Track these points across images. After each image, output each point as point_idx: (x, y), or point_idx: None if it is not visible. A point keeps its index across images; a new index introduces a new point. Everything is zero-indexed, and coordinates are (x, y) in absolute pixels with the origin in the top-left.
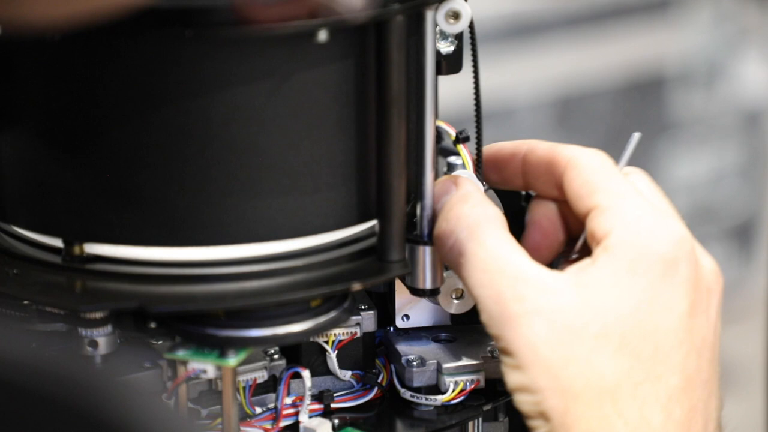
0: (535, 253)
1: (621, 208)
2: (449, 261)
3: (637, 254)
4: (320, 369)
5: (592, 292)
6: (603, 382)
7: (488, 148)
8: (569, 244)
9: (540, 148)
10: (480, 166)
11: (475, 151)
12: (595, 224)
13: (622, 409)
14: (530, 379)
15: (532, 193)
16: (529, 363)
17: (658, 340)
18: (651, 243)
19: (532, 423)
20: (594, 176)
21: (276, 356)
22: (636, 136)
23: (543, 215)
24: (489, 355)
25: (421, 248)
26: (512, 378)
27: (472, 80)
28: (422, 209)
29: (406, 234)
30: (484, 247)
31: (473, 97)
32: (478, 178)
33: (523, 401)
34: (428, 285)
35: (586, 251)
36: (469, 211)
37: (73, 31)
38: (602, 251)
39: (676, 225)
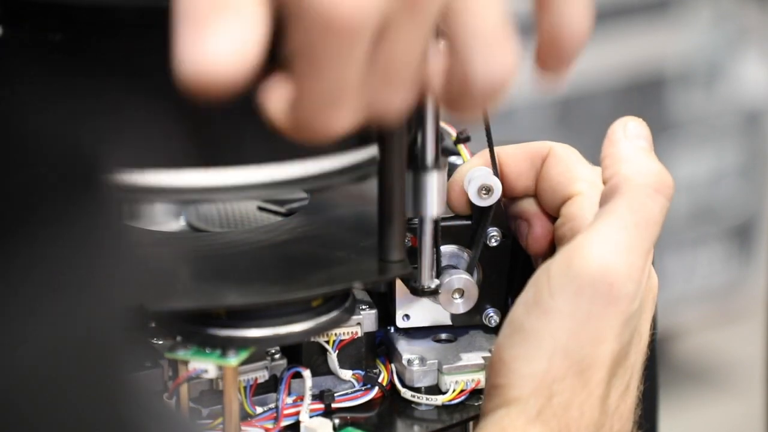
0: (542, 242)
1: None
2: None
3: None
4: (321, 369)
5: None
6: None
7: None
8: None
9: (514, 151)
10: (495, 164)
11: (475, 151)
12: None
13: None
14: None
15: None
16: None
17: None
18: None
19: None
20: (573, 165)
21: (277, 356)
22: None
23: (536, 209)
24: (489, 354)
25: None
26: None
27: None
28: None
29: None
30: None
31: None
32: (494, 174)
33: None
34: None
35: None
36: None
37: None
38: None
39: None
